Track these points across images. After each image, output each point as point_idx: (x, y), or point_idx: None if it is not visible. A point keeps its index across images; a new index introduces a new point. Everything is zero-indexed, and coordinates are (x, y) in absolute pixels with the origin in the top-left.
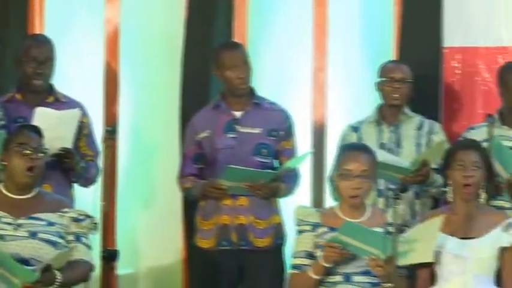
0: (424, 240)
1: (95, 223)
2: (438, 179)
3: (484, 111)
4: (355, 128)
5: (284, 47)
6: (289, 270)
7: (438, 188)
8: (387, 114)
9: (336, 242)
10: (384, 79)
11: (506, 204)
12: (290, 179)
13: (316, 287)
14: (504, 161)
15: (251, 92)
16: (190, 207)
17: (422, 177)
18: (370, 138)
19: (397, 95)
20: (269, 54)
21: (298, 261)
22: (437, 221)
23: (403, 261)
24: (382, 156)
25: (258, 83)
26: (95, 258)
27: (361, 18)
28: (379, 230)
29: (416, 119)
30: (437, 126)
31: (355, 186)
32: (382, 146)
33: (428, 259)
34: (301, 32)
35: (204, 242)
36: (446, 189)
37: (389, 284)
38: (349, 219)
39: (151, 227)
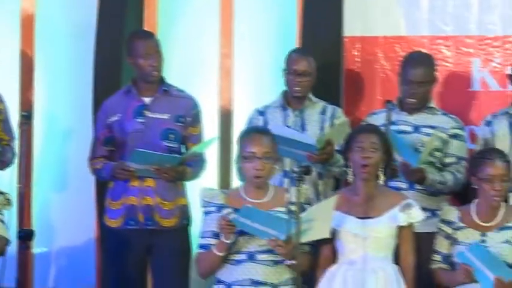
0: (321, 219)
1: (8, 199)
2: (340, 159)
3: (382, 97)
4: (261, 112)
5: (192, 35)
6: (196, 250)
7: (340, 167)
8: (292, 99)
9: (236, 225)
10: (288, 68)
11: (403, 185)
12: (196, 163)
13: (220, 264)
14: (397, 147)
15: (161, 80)
16: (102, 188)
17: (327, 156)
18: (275, 122)
19: (298, 88)
20: (178, 42)
21: (205, 241)
22: (331, 200)
23: (302, 239)
24: (289, 133)
25: (168, 70)
26: (12, 238)
27: (266, 7)
28: (282, 209)
29: (320, 104)
30: (339, 111)
31: (259, 167)
32: None
33: (325, 235)
34: (208, 20)
35: (113, 222)
36: (348, 170)
37: (291, 261)
38: (252, 200)
39: (65, 207)
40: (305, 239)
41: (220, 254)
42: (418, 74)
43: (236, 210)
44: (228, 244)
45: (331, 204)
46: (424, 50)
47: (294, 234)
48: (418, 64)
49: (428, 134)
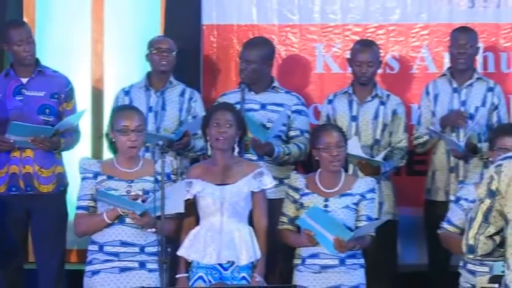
0: (176, 196)
1: None
2: (198, 143)
3: (236, 79)
4: (127, 92)
5: (67, 22)
6: (76, 211)
7: (196, 153)
8: (155, 80)
9: (101, 195)
10: (153, 49)
11: (254, 157)
12: (70, 135)
13: (102, 228)
14: (249, 124)
15: (36, 62)
16: None
17: (183, 145)
18: (139, 102)
19: (164, 62)
20: (54, 29)
21: (83, 203)
22: (183, 182)
23: (159, 213)
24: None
25: (45, 54)
26: None
27: None
28: (150, 178)
29: (180, 86)
30: (196, 94)
31: (133, 139)
32: (149, 109)
33: (180, 210)
34: (81, 9)
35: None
36: (207, 151)
37: (151, 230)
38: (124, 170)
39: None
40: (163, 212)
41: (109, 221)
42: (246, 53)
43: (109, 177)
44: (120, 215)
45: (183, 186)
46: (268, 36)
47: (159, 203)
48: (248, 45)
49: (273, 111)
